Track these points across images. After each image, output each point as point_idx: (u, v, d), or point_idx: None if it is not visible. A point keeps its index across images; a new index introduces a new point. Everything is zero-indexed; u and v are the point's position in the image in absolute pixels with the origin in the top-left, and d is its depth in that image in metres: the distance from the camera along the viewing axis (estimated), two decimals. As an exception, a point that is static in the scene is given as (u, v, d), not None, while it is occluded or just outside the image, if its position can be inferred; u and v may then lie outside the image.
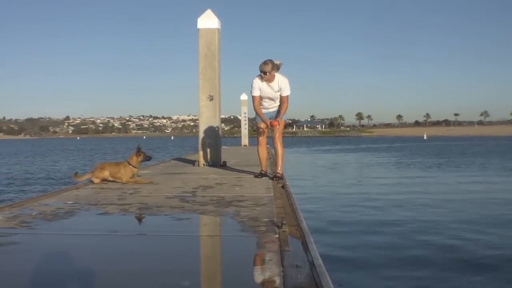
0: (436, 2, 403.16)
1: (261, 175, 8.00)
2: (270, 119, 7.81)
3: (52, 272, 2.95)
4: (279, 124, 7.78)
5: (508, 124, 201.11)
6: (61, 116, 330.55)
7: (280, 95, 7.76)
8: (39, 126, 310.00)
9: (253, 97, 7.84)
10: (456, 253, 7.64)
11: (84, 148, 65.93)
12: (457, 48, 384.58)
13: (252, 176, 8.27)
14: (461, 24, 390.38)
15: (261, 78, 7.62)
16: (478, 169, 24.49)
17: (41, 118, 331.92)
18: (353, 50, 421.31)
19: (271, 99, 7.82)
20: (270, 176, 7.89)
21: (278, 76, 7.63)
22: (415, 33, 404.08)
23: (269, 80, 7.61)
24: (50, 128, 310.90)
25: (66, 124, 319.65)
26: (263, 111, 7.87)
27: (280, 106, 7.85)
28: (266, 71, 7.49)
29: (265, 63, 7.49)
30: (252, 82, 7.74)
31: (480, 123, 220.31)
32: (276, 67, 7.60)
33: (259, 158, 8.23)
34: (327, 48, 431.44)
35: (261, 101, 7.85)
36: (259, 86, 7.70)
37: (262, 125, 7.94)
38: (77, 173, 7.63)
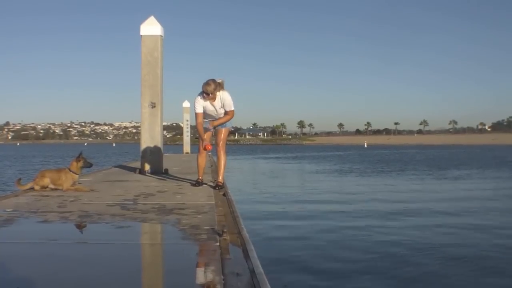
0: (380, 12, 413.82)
1: (198, 183, 8.02)
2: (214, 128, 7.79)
3: (-10, 281, 2.91)
4: (212, 138, 7.78)
5: (447, 133, 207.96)
6: (1, 122, 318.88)
7: (225, 110, 7.65)
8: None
9: (196, 114, 7.67)
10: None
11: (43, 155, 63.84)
12: (397, 58, 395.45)
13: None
14: (397, 33, 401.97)
15: (203, 97, 7.48)
16: (414, 177, 25.48)
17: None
18: (294, 59, 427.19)
19: (214, 116, 7.73)
20: (213, 184, 7.91)
21: (219, 94, 7.49)
22: (353, 41, 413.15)
23: (212, 99, 7.50)
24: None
25: (6, 129, 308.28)
26: (206, 120, 7.82)
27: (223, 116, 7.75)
28: (209, 92, 7.35)
29: (207, 84, 7.34)
30: (195, 100, 7.60)
31: (420, 132, 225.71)
32: (219, 86, 7.46)
33: (197, 166, 8.25)
34: (267, 57, 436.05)
35: (204, 119, 7.74)
36: (202, 104, 7.56)
37: (206, 135, 7.92)
38: (20, 179, 7.42)
